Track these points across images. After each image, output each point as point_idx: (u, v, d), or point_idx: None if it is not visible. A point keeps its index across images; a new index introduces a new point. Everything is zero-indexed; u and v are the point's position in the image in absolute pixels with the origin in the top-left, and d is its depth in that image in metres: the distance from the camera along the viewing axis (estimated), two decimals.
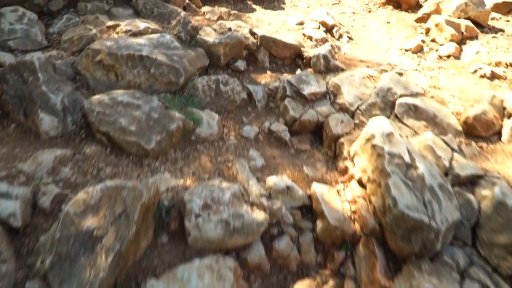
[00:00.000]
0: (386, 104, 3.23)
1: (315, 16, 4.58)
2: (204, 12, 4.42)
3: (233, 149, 2.95)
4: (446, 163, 2.62)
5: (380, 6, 5.65)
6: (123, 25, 3.55)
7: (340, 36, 4.37)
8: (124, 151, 2.70)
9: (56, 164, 2.56)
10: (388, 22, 5.14)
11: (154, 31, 3.54)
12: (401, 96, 3.24)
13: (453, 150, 2.80)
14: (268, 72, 3.87)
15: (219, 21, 4.09)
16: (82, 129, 2.86)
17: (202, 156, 2.84)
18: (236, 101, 3.37)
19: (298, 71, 3.81)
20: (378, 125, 2.78)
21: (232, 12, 4.64)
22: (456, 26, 4.48)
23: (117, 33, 3.53)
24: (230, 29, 3.99)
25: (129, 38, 3.38)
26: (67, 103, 2.85)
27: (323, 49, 3.72)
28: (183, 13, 3.81)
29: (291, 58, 4.02)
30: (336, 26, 4.44)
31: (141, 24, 3.55)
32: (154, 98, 2.94)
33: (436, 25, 4.55)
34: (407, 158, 2.51)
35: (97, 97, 2.86)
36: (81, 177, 2.51)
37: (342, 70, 3.71)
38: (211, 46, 3.60)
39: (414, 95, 3.31)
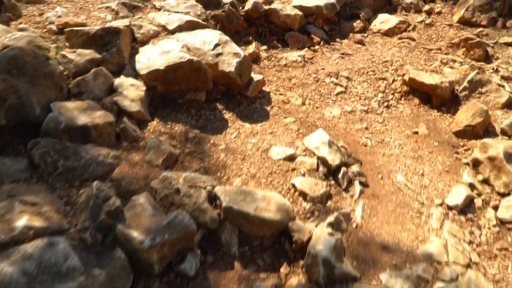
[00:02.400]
0: None
1: (311, 142, 3.23)
2: (146, 146, 3.05)
3: None
4: None
5: (401, 97, 4.29)
6: None
7: (350, 182, 3.02)
8: None
9: None
10: (416, 133, 3.78)
11: (39, 232, 2.18)
12: None
13: None
14: (237, 266, 2.54)
15: (164, 174, 2.76)
16: None
17: None
18: None
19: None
20: None
21: (192, 133, 3.29)
22: None
23: None
24: (178, 191, 2.66)
25: None
26: None
27: (324, 246, 2.37)
28: (96, 183, 2.45)
29: (273, 236, 2.66)
30: (343, 165, 3.07)
31: (19, 222, 2.21)
32: None
33: (491, 159, 3.18)
34: None
35: None
36: None
37: (354, 278, 2.35)
38: (138, 251, 2.24)
39: None
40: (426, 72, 4.30)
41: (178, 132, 3.33)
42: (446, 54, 5.10)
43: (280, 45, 5.28)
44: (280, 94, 4.16)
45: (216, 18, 4.92)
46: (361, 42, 5.41)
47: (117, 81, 3.54)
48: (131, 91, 3.47)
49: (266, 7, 5.34)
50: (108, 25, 3.79)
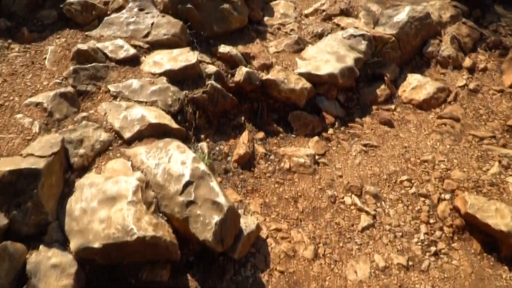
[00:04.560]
0: None
1: None
2: None
3: None
4: None
5: (453, 234, 3.09)
6: None
7: None
8: None
9: None
10: None
11: None
12: None
13: None
14: None
15: None
16: None
17: None
18: None
19: None
20: None
21: None
22: None
23: None
24: None
25: None
26: None
27: None
28: None
29: None
30: None
31: None
32: None
33: None
34: None
35: None
36: None
37: None
38: None
39: None
40: (488, 202, 3.07)
41: None
42: (503, 146, 3.86)
43: (281, 129, 4.03)
44: (282, 237, 2.93)
45: (195, 102, 3.67)
46: (389, 123, 4.16)
47: (32, 260, 2.33)
48: (51, 281, 2.25)
49: (264, 78, 4.08)
50: (24, 163, 2.54)
